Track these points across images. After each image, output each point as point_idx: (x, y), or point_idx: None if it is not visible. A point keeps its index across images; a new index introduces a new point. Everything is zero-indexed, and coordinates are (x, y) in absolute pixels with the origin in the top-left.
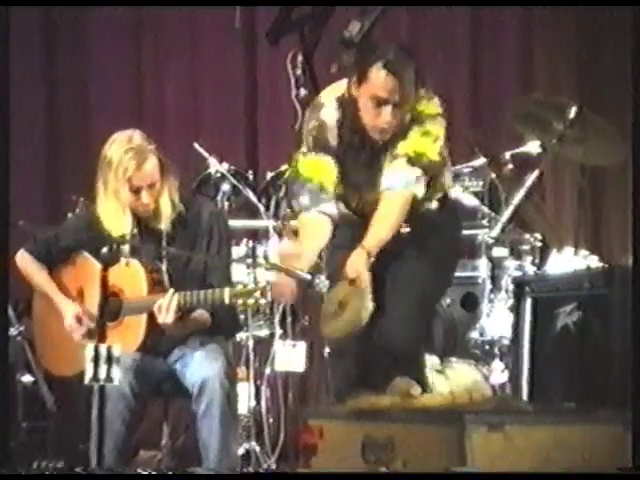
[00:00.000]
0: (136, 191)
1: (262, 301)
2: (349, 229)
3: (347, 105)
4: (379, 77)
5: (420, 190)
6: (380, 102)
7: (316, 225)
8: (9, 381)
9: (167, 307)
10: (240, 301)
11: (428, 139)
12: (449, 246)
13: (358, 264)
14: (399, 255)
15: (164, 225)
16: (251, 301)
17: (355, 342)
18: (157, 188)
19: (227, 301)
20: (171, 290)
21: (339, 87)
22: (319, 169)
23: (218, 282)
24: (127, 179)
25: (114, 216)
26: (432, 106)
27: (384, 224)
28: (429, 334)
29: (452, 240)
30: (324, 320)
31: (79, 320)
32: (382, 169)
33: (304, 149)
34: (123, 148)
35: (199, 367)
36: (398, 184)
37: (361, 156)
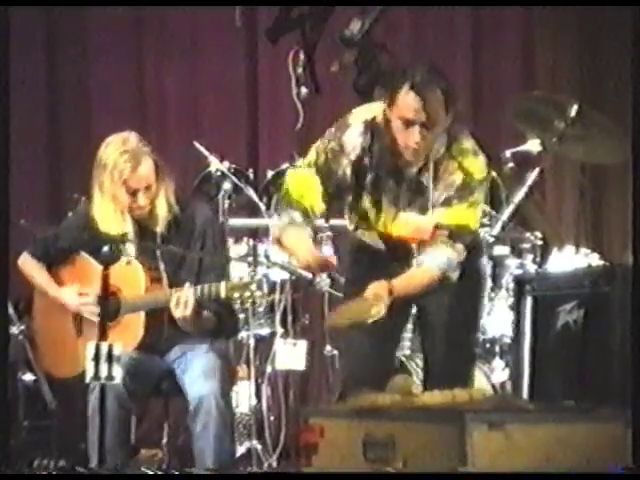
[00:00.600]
0: (133, 193)
1: (258, 294)
2: (373, 254)
3: (378, 128)
4: (406, 99)
5: (456, 276)
6: (408, 123)
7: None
8: (10, 380)
9: (185, 301)
10: (237, 294)
11: (472, 210)
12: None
13: (382, 294)
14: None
15: (159, 227)
16: (247, 294)
17: (364, 342)
18: (153, 190)
19: (223, 295)
20: (187, 284)
21: (369, 109)
22: (308, 193)
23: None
24: (123, 182)
25: (111, 218)
26: (481, 169)
27: (415, 286)
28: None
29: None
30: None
31: (84, 295)
32: (400, 196)
33: (308, 161)
34: (118, 151)
35: (196, 383)
36: (441, 263)
37: (390, 181)
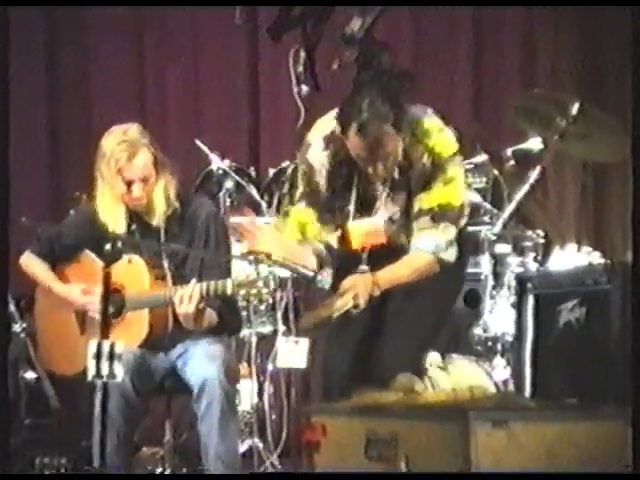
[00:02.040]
0: (128, 184)
1: (264, 291)
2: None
3: (335, 142)
4: (355, 140)
5: (452, 255)
6: (361, 158)
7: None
8: (12, 378)
9: (189, 296)
10: (243, 291)
11: (451, 185)
12: (454, 283)
13: (360, 286)
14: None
15: (157, 221)
16: (254, 291)
17: (352, 339)
18: (150, 183)
19: (230, 291)
20: (193, 280)
21: (325, 123)
22: (305, 224)
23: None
24: (118, 170)
25: (109, 208)
26: (448, 145)
27: (403, 273)
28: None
29: (458, 278)
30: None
31: (88, 292)
32: (377, 198)
33: (298, 196)
34: (117, 140)
35: (199, 367)
36: (427, 248)
37: (350, 188)
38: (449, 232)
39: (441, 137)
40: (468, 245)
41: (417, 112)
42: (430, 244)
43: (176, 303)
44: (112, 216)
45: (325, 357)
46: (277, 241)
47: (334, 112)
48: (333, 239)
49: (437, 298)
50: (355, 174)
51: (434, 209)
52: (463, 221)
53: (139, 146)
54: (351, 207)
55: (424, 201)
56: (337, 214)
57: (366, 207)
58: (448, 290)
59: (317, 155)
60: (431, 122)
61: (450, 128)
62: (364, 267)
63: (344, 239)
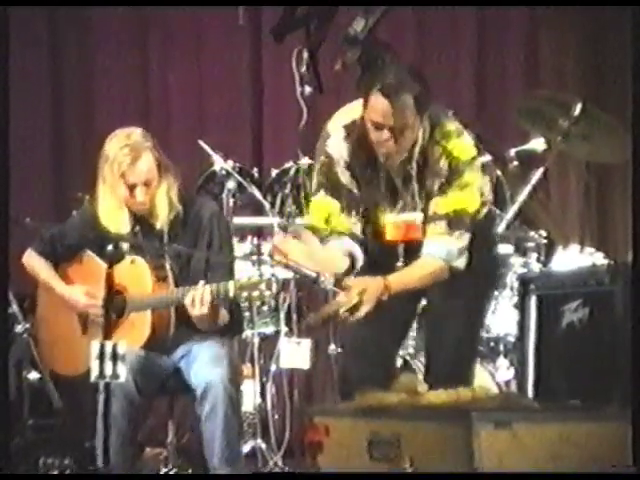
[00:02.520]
0: (131, 188)
1: (267, 293)
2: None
3: (356, 130)
4: (376, 102)
5: (462, 263)
6: (377, 126)
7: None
8: (15, 378)
9: (201, 299)
10: (245, 294)
11: (467, 191)
12: (489, 284)
13: (371, 289)
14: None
15: (160, 224)
16: (256, 293)
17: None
18: (153, 186)
19: (232, 294)
20: (202, 282)
21: (345, 113)
22: (329, 214)
23: (220, 281)
24: (121, 174)
25: (111, 212)
26: (467, 150)
27: (414, 278)
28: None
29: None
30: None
31: (91, 295)
32: (398, 192)
33: (315, 187)
34: (120, 144)
35: (204, 370)
36: (439, 254)
37: (374, 179)
38: (462, 239)
39: (460, 141)
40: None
41: (437, 112)
42: (442, 250)
43: (188, 306)
44: (115, 219)
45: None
46: (307, 254)
47: (354, 103)
48: (357, 229)
49: (473, 300)
50: (378, 165)
51: (449, 214)
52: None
53: (142, 150)
54: (380, 199)
55: (440, 205)
56: (361, 206)
57: (390, 200)
58: (484, 292)
59: (337, 145)
60: (451, 125)
61: (468, 132)
62: (399, 264)
63: (377, 233)
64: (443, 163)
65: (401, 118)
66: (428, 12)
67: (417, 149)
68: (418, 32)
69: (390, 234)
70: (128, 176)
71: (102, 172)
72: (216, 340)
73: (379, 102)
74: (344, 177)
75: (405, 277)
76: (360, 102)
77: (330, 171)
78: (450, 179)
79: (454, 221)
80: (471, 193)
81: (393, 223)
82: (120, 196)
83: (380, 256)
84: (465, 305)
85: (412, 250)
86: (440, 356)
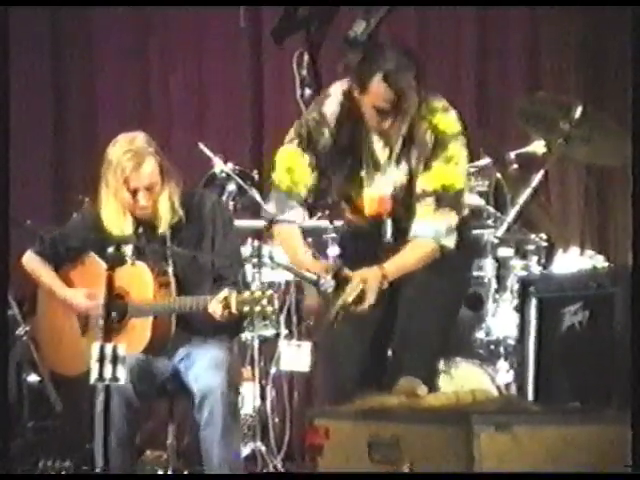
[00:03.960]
0: (134, 192)
1: (269, 309)
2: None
3: (350, 101)
4: (379, 89)
5: (452, 241)
6: (381, 111)
7: (286, 235)
8: (15, 380)
9: (224, 306)
10: (247, 308)
11: (452, 165)
12: (460, 286)
13: (371, 281)
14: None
15: (162, 229)
16: (257, 308)
17: (358, 342)
18: (156, 191)
19: (234, 308)
20: (226, 289)
21: (346, 82)
22: (295, 165)
23: (228, 271)
24: (124, 180)
25: (114, 217)
26: (452, 124)
27: (409, 263)
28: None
29: (464, 280)
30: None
31: (92, 297)
32: (381, 170)
33: (291, 136)
34: (123, 149)
35: (202, 375)
36: (428, 234)
37: (356, 151)
38: (449, 218)
39: (445, 115)
40: (474, 247)
41: (424, 92)
42: (429, 230)
43: (216, 313)
44: (118, 224)
45: (334, 361)
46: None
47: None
48: (314, 188)
49: (443, 301)
50: (362, 136)
51: (437, 191)
52: (465, 211)
53: (145, 155)
54: (363, 173)
55: (426, 181)
56: (334, 173)
57: (369, 174)
58: (454, 293)
59: (332, 106)
60: (438, 102)
61: (454, 110)
62: (387, 240)
63: (356, 208)
64: (428, 137)
65: (406, 100)
66: (428, 13)
67: (404, 124)
68: (418, 34)
69: (370, 208)
70: (131, 181)
71: (105, 177)
72: (215, 343)
73: (383, 88)
74: (326, 139)
75: (400, 263)
76: None
77: (316, 129)
78: (435, 152)
79: (441, 197)
80: (456, 167)
81: (371, 197)
82: (123, 201)
83: (368, 234)
84: (436, 301)
85: (400, 228)
86: (405, 347)
